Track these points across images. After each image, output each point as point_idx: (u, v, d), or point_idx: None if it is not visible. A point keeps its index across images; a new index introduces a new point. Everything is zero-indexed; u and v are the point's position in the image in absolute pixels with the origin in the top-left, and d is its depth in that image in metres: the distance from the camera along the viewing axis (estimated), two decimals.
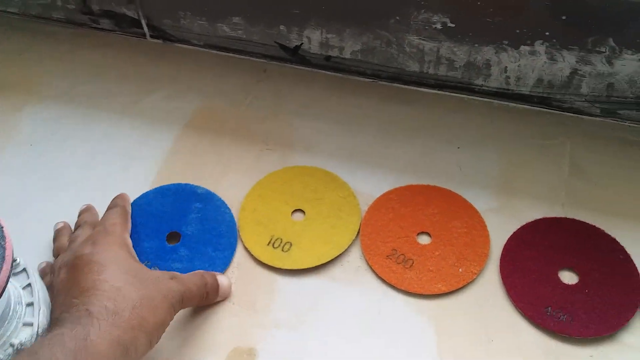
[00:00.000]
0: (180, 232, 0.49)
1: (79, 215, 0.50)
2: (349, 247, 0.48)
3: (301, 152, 0.55)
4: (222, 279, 0.45)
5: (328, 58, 0.60)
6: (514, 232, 0.48)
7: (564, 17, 0.48)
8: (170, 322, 0.40)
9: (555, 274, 0.45)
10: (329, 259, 0.48)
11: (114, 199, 0.50)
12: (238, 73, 0.63)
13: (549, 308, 0.44)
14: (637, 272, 0.45)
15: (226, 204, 0.51)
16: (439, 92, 0.59)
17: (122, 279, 0.39)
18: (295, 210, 0.51)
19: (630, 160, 0.52)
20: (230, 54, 0.64)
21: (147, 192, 0.52)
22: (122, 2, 0.62)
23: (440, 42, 0.54)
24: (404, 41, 0.55)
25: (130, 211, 0.50)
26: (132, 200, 0.51)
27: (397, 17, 0.53)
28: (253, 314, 0.45)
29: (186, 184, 0.53)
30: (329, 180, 0.53)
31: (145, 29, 0.65)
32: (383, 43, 0.56)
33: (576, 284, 0.45)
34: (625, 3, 0.45)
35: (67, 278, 0.40)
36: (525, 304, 0.44)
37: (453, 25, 0.52)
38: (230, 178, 0.54)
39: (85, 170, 0.55)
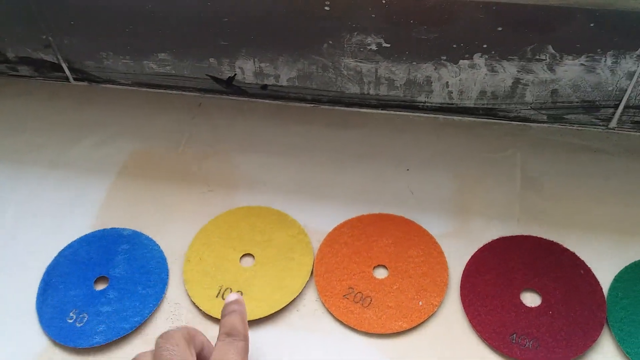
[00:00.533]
0: (108, 275, 0.47)
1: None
2: (304, 289, 0.46)
3: (245, 191, 0.52)
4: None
5: (264, 87, 0.57)
6: (472, 256, 0.46)
7: (499, 29, 0.46)
8: None
9: (517, 296, 0.44)
10: (283, 306, 0.45)
11: (229, 305, 0.41)
12: (172, 110, 0.59)
13: (514, 335, 0.42)
14: (600, 287, 0.44)
15: (154, 241, 0.49)
16: (383, 112, 0.57)
17: None
18: (244, 255, 0.48)
19: (580, 166, 0.51)
20: (162, 91, 0.60)
21: (72, 242, 0.50)
22: (38, 48, 0.58)
23: (378, 63, 0.52)
24: (340, 64, 0.53)
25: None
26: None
27: (330, 42, 0.51)
28: None
29: (112, 229, 0.50)
30: (277, 219, 0.50)
31: (68, 72, 0.61)
32: (319, 68, 0.54)
33: (539, 305, 0.43)
34: (559, 9, 0.44)
35: None
36: (489, 333, 0.42)
37: (388, 45, 0.50)
38: (172, 226, 0.50)
39: (13, 235, 0.51)
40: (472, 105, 0.54)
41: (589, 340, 0.41)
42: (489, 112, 0.54)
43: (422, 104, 0.55)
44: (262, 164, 0.54)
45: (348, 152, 0.55)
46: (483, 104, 0.54)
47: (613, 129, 0.53)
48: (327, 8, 0.47)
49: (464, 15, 0.46)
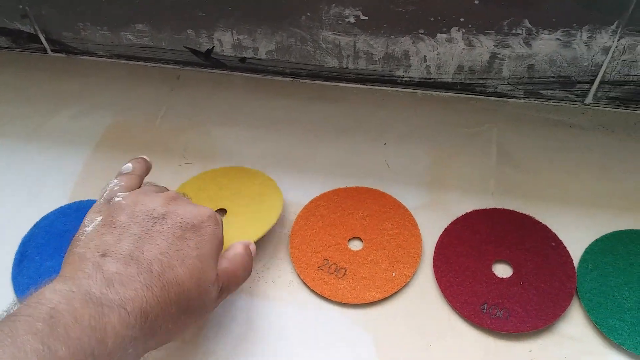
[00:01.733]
0: None
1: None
2: (279, 260, 0.46)
3: (223, 163, 0.52)
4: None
5: (243, 60, 0.57)
6: (445, 229, 0.47)
7: (476, 2, 0.46)
8: None
9: (489, 268, 0.44)
10: (261, 235, 0.45)
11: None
12: (150, 82, 0.59)
13: (485, 305, 0.43)
14: (571, 259, 0.44)
15: None
16: (362, 86, 0.57)
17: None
18: (217, 211, 0.48)
19: (556, 141, 0.52)
20: (140, 63, 0.60)
21: (48, 214, 0.49)
22: (15, 18, 0.57)
23: (356, 36, 0.52)
24: (318, 37, 0.52)
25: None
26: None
27: (308, 14, 0.50)
28: (182, 345, 0.42)
29: (88, 200, 0.50)
30: (244, 174, 0.51)
31: (45, 43, 0.60)
32: (298, 41, 0.53)
33: (510, 276, 0.44)
34: None
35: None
36: (461, 303, 0.43)
37: (366, 18, 0.50)
38: None
39: None
40: (449, 80, 0.54)
41: (559, 310, 0.42)
42: (467, 88, 0.54)
43: (400, 78, 0.55)
44: (241, 136, 0.54)
45: (327, 126, 0.55)
46: (460, 79, 0.54)
47: (589, 104, 0.53)
48: None
49: None
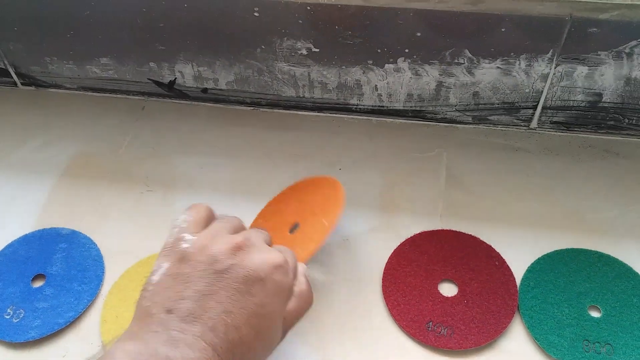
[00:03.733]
0: (45, 273, 0.49)
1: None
2: None
3: (183, 190, 0.54)
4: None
5: (205, 90, 0.59)
6: (394, 250, 0.48)
7: (418, 34, 0.49)
8: None
9: (436, 287, 0.46)
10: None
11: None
12: (115, 113, 0.61)
13: (430, 323, 0.44)
14: (513, 277, 0.46)
15: (92, 240, 0.51)
16: (319, 114, 0.59)
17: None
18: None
19: (502, 164, 0.54)
20: (107, 95, 0.62)
21: (12, 242, 0.51)
22: None
23: (309, 67, 0.54)
24: (274, 68, 0.55)
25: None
26: None
27: (263, 46, 0.53)
28: None
29: (51, 228, 0.52)
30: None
31: (15, 77, 0.62)
32: (255, 72, 0.56)
33: (455, 295, 0.45)
34: (471, 14, 0.47)
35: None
36: (407, 322, 0.44)
37: (317, 50, 0.52)
38: (110, 224, 0.52)
39: None
40: (401, 108, 0.56)
41: (501, 327, 0.43)
42: (418, 114, 0.57)
43: (355, 106, 0.57)
44: (202, 164, 0.56)
45: (284, 153, 0.57)
46: (411, 106, 0.56)
47: (534, 129, 0.56)
48: (256, 14, 0.50)
49: (384, 21, 0.48)
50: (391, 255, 0.48)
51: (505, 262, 0.47)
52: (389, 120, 0.58)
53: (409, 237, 0.49)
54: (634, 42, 0.47)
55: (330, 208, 0.47)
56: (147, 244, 0.50)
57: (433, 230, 0.49)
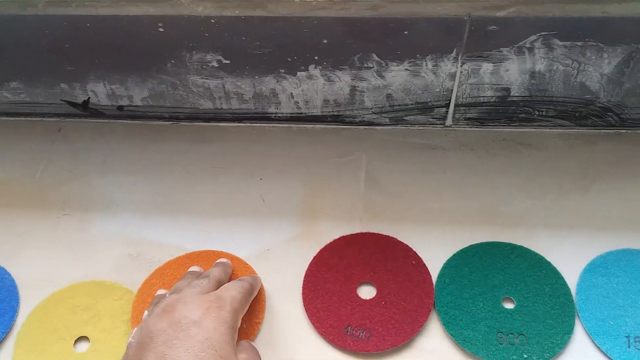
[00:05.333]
0: None
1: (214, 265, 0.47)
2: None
3: (101, 213, 0.53)
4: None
5: (121, 108, 0.58)
6: (314, 257, 0.49)
7: (325, 41, 0.49)
8: None
9: (354, 291, 0.46)
10: None
11: (247, 276, 0.45)
12: (31, 137, 0.60)
13: (349, 327, 0.44)
14: (430, 275, 0.47)
15: (5, 270, 0.49)
16: (239, 124, 0.59)
17: None
18: (78, 340, 0.46)
19: (420, 164, 0.55)
20: (22, 118, 0.61)
21: None
22: None
23: (223, 79, 0.54)
24: (188, 82, 0.54)
25: (254, 296, 0.45)
26: None
27: (173, 61, 0.52)
28: None
29: None
30: (100, 290, 0.48)
31: None
32: (169, 86, 0.55)
33: (374, 297, 0.46)
34: (373, 20, 0.47)
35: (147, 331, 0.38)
36: (326, 328, 0.44)
37: (228, 61, 0.52)
38: (25, 253, 0.51)
39: None
40: (319, 114, 0.57)
41: (417, 326, 0.44)
42: (336, 119, 0.57)
43: (273, 114, 0.57)
44: (120, 184, 0.55)
45: (205, 165, 0.56)
46: (329, 112, 0.56)
47: (450, 126, 0.57)
48: (161, 29, 0.49)
49: (290, 30, 0.48)
50: (311, 262, 0.48)
51: (422, 260, 0.48)
52: (309, 126, 0.58)
53: (328, 242, 0.49)
54: (533, 37, 0.48)
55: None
56: (63, 271, 0.49)
57: (352, 234, 0.50)
